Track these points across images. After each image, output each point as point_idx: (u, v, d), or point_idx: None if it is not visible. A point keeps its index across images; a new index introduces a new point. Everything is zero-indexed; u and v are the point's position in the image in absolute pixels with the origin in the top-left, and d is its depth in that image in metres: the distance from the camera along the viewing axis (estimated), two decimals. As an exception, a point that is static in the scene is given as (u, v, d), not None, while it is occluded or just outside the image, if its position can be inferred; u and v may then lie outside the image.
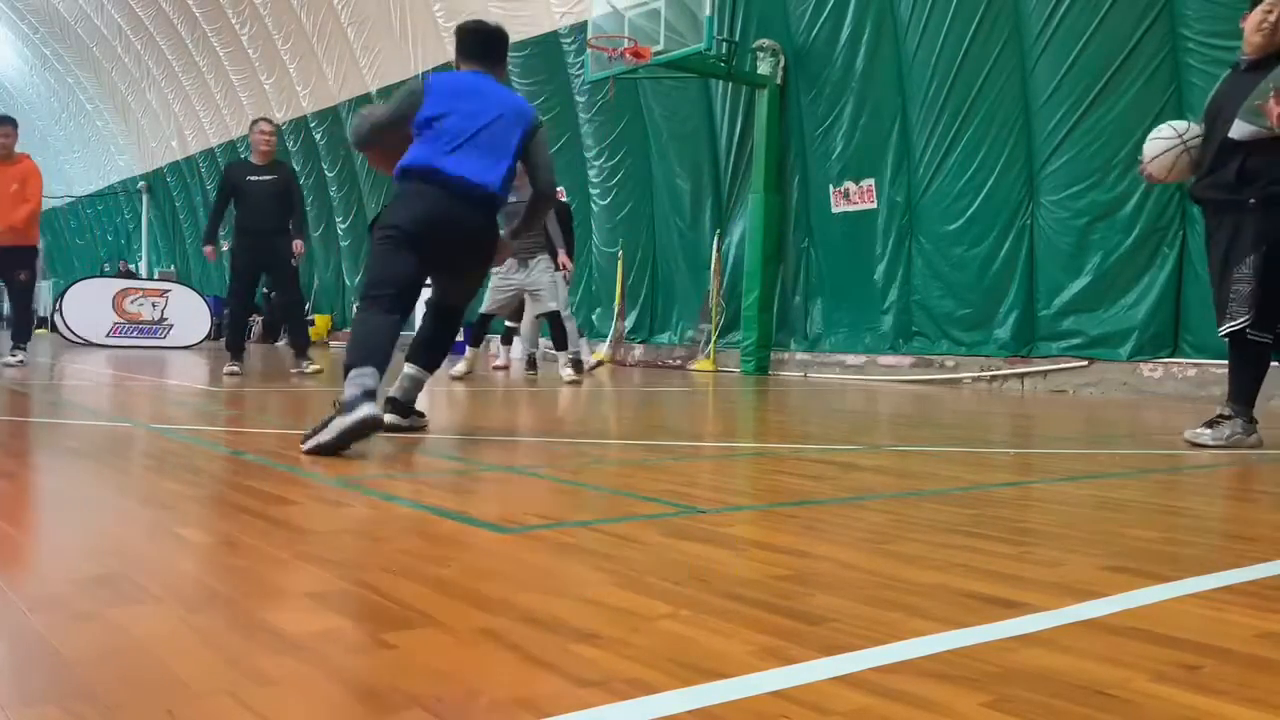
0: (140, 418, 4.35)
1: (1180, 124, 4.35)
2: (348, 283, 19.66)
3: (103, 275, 21.48)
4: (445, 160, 3.64)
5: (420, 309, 4.48)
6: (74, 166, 31.33)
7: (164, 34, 23.44)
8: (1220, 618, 1.49)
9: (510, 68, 14.88)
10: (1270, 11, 4.02)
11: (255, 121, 8.20)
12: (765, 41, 10.75)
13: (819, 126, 10.66)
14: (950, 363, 9.60)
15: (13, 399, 5.25)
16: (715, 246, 11.77)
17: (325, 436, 3.14)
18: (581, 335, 9.90)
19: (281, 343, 19.78)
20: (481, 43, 3.91)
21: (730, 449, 3.98)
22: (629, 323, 13.10)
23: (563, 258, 8.25)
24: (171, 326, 15.23)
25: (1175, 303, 8.16)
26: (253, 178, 7.84)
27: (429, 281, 4.06)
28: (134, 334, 15.06)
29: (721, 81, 11.24)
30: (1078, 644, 1.33)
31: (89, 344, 14.41)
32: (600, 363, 9.99)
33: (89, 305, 14.90)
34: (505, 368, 9.61)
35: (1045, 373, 8.87)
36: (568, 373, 7.97)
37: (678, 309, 12.67)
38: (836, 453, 3.76)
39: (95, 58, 26.68)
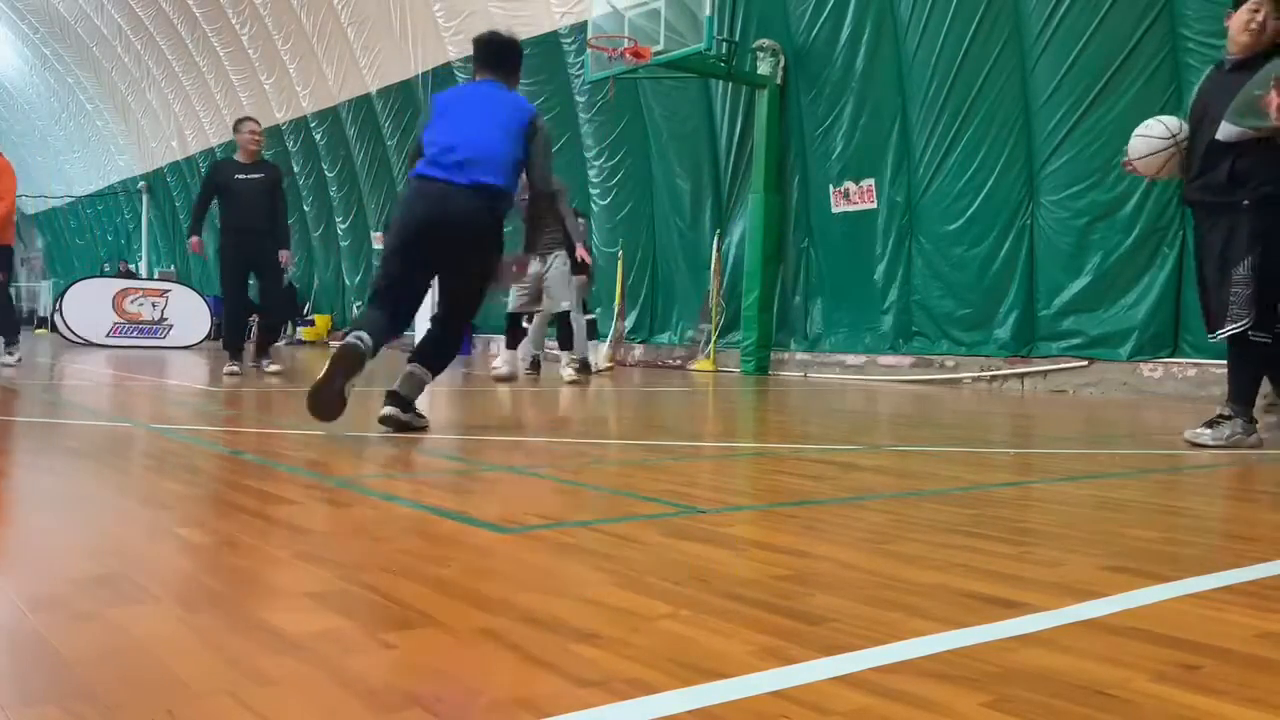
0: (140, 418, 4.35)
1: (1173, 123, 4.29)
2: (348, 283, 19.66)
3: (103, 275, 21.49)
4: (434, 167, 3.87)
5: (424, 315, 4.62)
6: (74, 166, 31.34)
7: (164, 34, 23.44)
8: (1220, 618, 1.49)
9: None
10: (1257, 11, 4.00)
11: (242, 120, 8.24)
12: (765, 41, 10.75)
13: (819, 126, 10.66)
14: (950, 363, 9.60)
15: (13, 399, 5.25)
16: (715, 246, 11.77)
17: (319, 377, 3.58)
18: (595, 338, 9.91)
19: (282, 342, 19.80)
20: (490, 52, 4.20)
21: (730, 449, 3.98)
22: (629, 323, 13.10)
23: (580, 252, 8.24)
24: (171, 326, 15.23)
25: (1175, 303, 8.15)
26: (241, 176, 7.88)
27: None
28: (134, 334, 15.06)
29: (721, 81, 11.23)
30: (1078, 644, 1.33)
31: (89, 344, 14.42)
32: (610, 367, 10.00)
33: (89, 305, 14.90)
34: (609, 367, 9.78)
35: (1045, 373, 8.87)
36: (568, 373, 7.98)
37: (678, 309, 12.68)
38: (836, 453, 3.76)
39: (95, 58, 26.68)
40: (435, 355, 4.09)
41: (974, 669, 1.22)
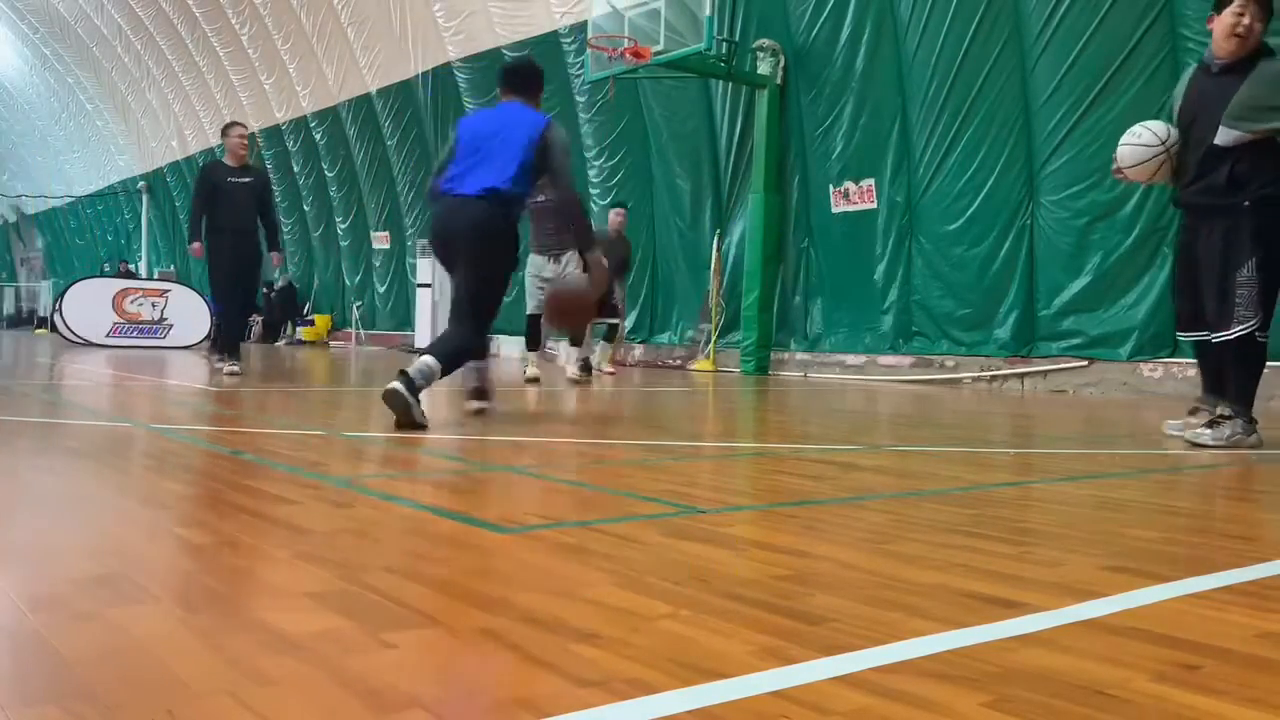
0: (140, 418, 4.35)
1: (1160, 128, 4.25)
2: (348, 283, 19.66)
3: (103, 275, 21.50)
4: (451, 182, 4.36)
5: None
6: (74, 166, 31.35)
7: (164, 34, 23.44)
8: (1220, 618, 1.49)
9: (511, 68, 14.88)
10: (1242, 15, 3.99)
11: (230, 125, 8.40)
12: (765, 41, 10.75)
13: (819, 126, 10.66)
14: (950, 363, 9.60)
15: (13, 399, 5.25)
16: (715, 246, 11.77)
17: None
18: (604, 340, 9.94)
19: (282, 342, 19.79)
20: (517, 78, 4.72)
21: (730, 449, 3.98)
22: (629, 323, 13.10)
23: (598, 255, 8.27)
24: (171, 326, 15.24)
25: (1176, 303, 8.15)
26: (232, 179, 8.04)
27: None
28: (134, 334, 15.06)
29: (721, 81, 11.24)
30: (1078, 644, 1.33)
31: (89, 344, 14.42)
32: (613, 371, 10.01)
33: (89, 305, 14.91)
34: (613, 372, 9.77)
35: (1045, 373, 8.87)
36: (572, 369, 8.01)
37: (678, 309, 12.67)
38: (836, 453, 3.76)
39: (95, 58, 26.69)
40: (446, 350, 4.23)
41: (974, 669, 1.22)
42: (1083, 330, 8.65)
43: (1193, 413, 4.46)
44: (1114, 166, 4.41)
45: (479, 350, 4.57)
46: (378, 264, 18.78)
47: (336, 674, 1.15)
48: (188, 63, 23.24)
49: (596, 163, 13.29)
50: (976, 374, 9.29)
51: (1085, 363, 8.59)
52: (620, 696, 1.09)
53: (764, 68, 10.74)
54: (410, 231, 17.55)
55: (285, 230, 21.44)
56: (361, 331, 19.07)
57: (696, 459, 3.54)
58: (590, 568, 1.71)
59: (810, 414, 5.91)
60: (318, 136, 19.64)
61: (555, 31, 13.46)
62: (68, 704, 1.04)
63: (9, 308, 36.71)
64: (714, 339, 11.72)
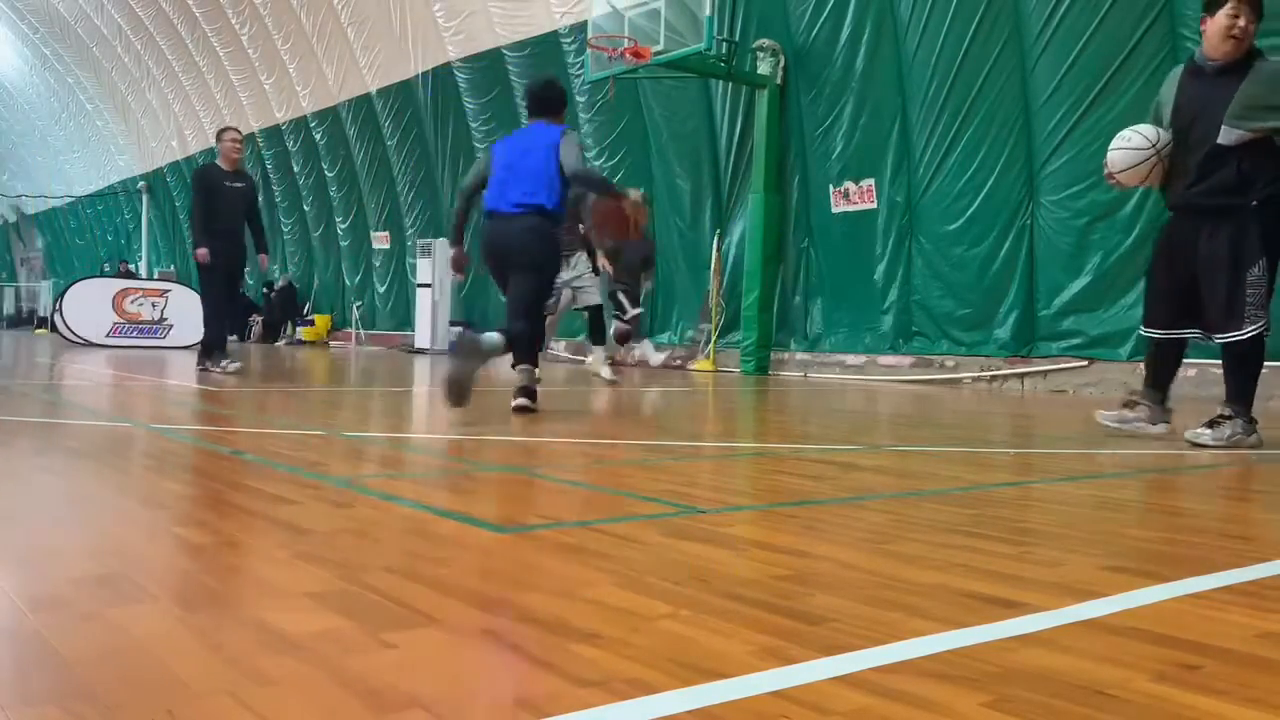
0: (140, 418, 4.35)
1: (1150, 131, 4.22)
2: (348, 283, 19.66)
3: (103, 275, 21.50)
4: (494, 201, 4.90)
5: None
6: (74, 166, 31.34)
7: (164, 34, 23.44)
8: (1220, 618, 1.49)
9: (510, 68, 14.90)
10: (1237, 16, 3.99)
11: (225, 130, 8.54)
12: (765, 41, 10.75)
13: (819, 126, 10.66)
14: (950, 363, 9.60)
15: (13, 399, 5.25)
16: (715, 246, 11.77)
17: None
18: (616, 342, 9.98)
19: (282, 342, 19.80)
20: (532, 99, 5.19)
21: (730, 449, 3.98)
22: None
23: (602, 260, 8.34)
24: (171, 326, 15.24)
25: (1175, 303, 8.15)
26: (227, 183, 8.19)
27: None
28: (134, 334, 15.06)
29: (721, 81, 11.23)
30: (1078, 644, 1.33)
31: (89, 344, 14.42)
32: (615, 380, 10.03)
33: (89, 305, 14.91)
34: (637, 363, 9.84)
35: (1045, 373, 8.86)
36: (606, 371, 7.99)
37: (678, 309, 12.67)
38: (836, 453, 3.76)
39: (95, 58, 26.68)
40: (524, 350, 4.97)
41: (974, 669, 1.22)
42: (1083, 330, 8.64)
43: (1129, 405, 4.42)
44: (1105, 172, 4.37)
45: (537, 341, 5.21)
46: (378, 264, 18.78)
47: (336, 674, 1.15)
48: (188, 63, 23.24)
49: (596, 163, 13.27)
50: (976, 374, 9.29)
51: (1085, 363, 8.59)
52: (620, 696, 1.09)
53: (764, 68, 10.74)
54: (410, 231, 17.54)
55: (285, 230, 21.47)
56: (361, 331, 19.06)
57: (696, 459, 3.54)
58: (590, 568, 1.71)
59: (810, 414, 5.91)
60: (318, 136, 19.64)
61: (555, 31, 13.45)
62: (68, 704, 1.04)
63: (9, 308, 36.72)
64: (714, 339, 11.71)
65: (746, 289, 11.05)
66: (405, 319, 17.66)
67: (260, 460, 3.01)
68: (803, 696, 1.11)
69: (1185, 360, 8.17)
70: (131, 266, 25.39)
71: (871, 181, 10.25)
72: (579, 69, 12.57)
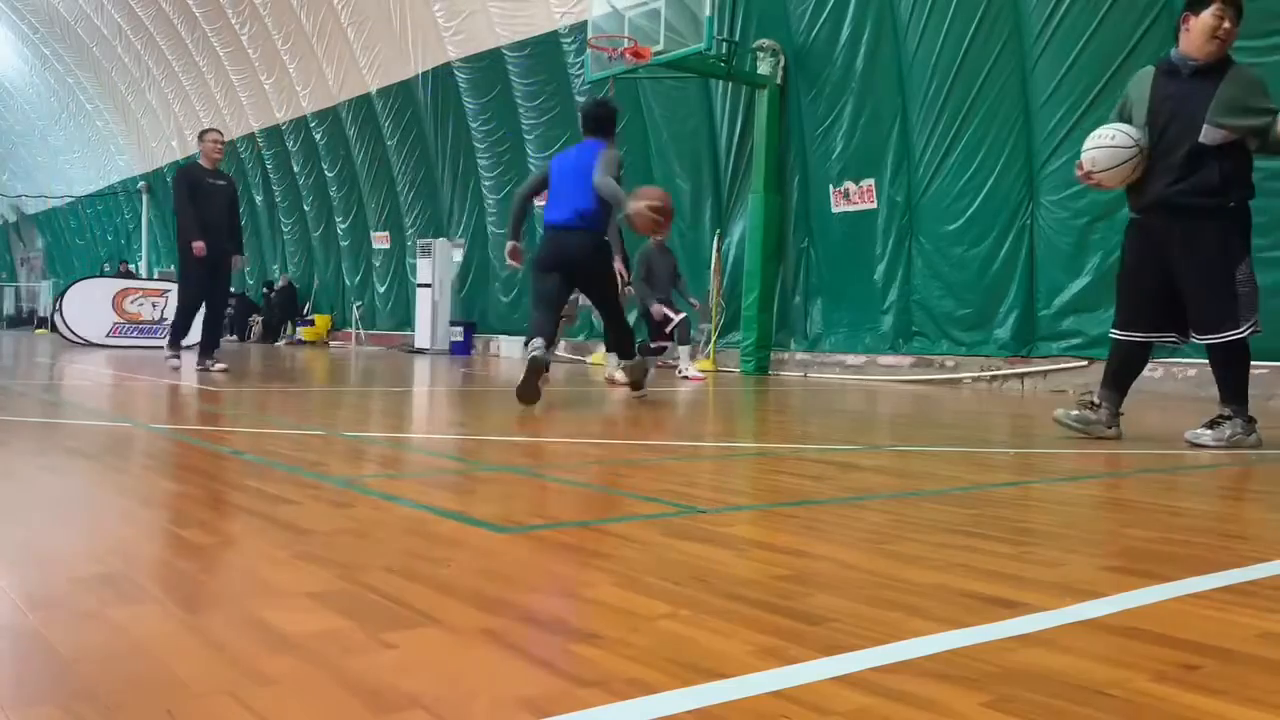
0: (139, 418, 4.35)
1: (1131, 130, 4.16)
2: (348, 283, 19.66)
3: (103, 275, 21.49)
4: (552, 214, 5.56)
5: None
6: (74, 166, 31.35)
7: (164, 34, 23.44)
8: (1220, 618, 1.49)
9: (510, 68, 14.90)
10: (1222, 18, 3.99)
11: (207, 130, 8.75)
12: (765, 41, 10.75)
13: (819, 126, 10.66)
14: (950, 363, 9.60)
15: (13, 399, 5.25)
16: (715, 246, 11.77)
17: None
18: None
19: (282, 342, 19.80)
20: (584, 119, 5.81)
21: (730, 449, 3.98)
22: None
23: (618, 265, 8.34)
24: (171, 327, 15.21)
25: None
26: (210, 181, 8.37)
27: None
28: (134, 334, 15.07)
29: (721, 81, 11.23)
30: (1078, 644, 1.33)
31: (89, 344, 14.42)
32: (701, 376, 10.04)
33: (89, 305, 14.91)
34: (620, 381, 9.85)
35: (1045, 373, 8.86)
36: (690, 368, 8.27)
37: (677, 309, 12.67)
38: (836, 453, 3.76)
39: (95, 58, 26.68)
40: (624, 346, 5.96)
41: (974, 669, 1.22)
42: (1083, 330, 8.64)
43: (1090, 406, 4.35)
44: (1081, 172, 4.25)
45: (651, 334, 5.88)
46: (378, 264, 18.79)
47: (336, 674, 1.15)
48: (188, 63, 23.24)
49: (596, 163, 13.28)
50: (976, 374, 9.29)
51: (1085, 363, 8.59)
52: (620, 696, 1.09)
53: (764, 68, 10.74)
54: (410, 231, 17.55)
55: (285, 230, 21.47)
56: (361, 331, 19.07)
57: (696, 459, 3.54)
58: (590, 568, 1.71)
59: (810, 414, 5.91)
60: (318, 136, 19.64)
61: (555, 31, 13.46)
62: (68, 704, 1.04)
63: (9, 308, 36.73)
64: (714, 339, 11.71)
65: (746, 289, 11.05)
66: (405, 319, 17.66)
67: (260, 460, 3.01)
68: (803, 696, 1.11)
69: (1185, 361, 8.22)
70: (131, 266, 25.39)
71: (871, 181, 10.25)
72: (579, 69, 12.57)
